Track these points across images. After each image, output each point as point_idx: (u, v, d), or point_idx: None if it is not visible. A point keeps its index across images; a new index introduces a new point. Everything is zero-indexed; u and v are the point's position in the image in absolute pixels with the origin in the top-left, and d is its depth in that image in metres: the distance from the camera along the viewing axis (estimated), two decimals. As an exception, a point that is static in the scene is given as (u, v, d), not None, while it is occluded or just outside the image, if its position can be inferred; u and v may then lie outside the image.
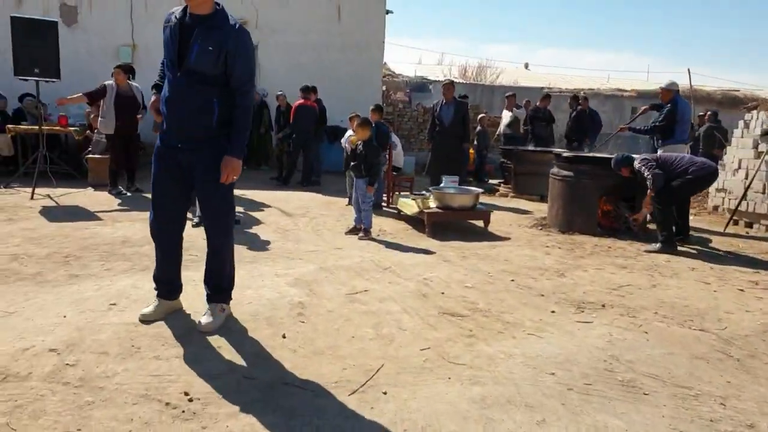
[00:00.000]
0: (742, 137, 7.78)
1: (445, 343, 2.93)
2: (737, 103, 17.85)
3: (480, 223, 6.02)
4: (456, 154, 7.69)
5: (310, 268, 4.25)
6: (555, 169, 6.47)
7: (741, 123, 7.95)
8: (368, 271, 4.25)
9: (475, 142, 10.95)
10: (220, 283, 3.06)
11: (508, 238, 5.69)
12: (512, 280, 4.15)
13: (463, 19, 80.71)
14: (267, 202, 7.32)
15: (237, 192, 7.38)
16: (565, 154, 6.63)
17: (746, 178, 7.19)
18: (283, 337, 2.91)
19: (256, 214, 6.42)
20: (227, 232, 3.00)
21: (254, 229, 5.60)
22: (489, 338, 3.03)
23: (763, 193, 6.86)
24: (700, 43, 74.73)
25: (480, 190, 6.39)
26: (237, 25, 2.76)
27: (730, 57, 70.08)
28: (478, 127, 11.37)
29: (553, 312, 3.50)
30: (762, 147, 7.12)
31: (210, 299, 3.06)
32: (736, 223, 6.98)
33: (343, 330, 3.05)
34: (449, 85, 7.88)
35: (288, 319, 3.16)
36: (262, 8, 11.54)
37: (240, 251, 4.60)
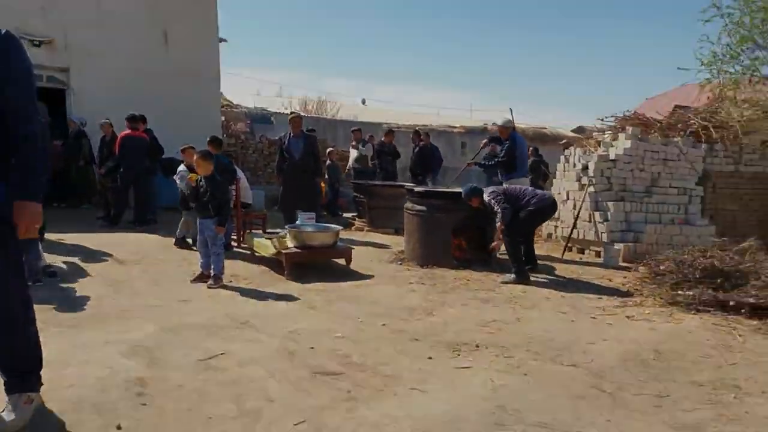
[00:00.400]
0: (565, 171, 8.63)
1: (322, 412, 2.54)
2: (546, 140, 20.26)
3: (342, 261, 5.73)
4: (308, 188, 7.40)
5: (151, 329, 3.55)
6: (409, 204, 6.49)
7: (562, 158, 8.84)
8: (223, 328, 3.68)
9: (326, 176, 10.82)
10: (18, 364, 2.33)
11: (372, 276, 5.48)
12: (383, 324, 3.90)
13: (302, 53, 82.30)
14: (93, 247, 6.23)
15: (53, 237, 6.33)
16: (417, 189, 6.71)
17: (574, 208, 7.93)
18: (118, 428, 2.29)
19: (78, 264, 5.39)
20: (16, 295, 2.29)
21: (77, 283, 4.66)
22: (370, 399, 2.71)
23: (590, 221, 7.61)
24: (511, 83, 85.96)
25: (340, 227, 6.13)
26: (3, 32, 2.15)
27: (537, 98, 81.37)
28: (328, 161, 11.29)
29: (430, 358, 3.30)
30: (584, 180, 7.95)
31: (10, 388, 2.31)
32: (570, 249, 7.62)
33: (198, 409, 2.50)
34: (297, 119, 7.57)
35: (124, 403, 2.51)
36: (71, 28, 10.19)
37: (54, 315, 3.74)
